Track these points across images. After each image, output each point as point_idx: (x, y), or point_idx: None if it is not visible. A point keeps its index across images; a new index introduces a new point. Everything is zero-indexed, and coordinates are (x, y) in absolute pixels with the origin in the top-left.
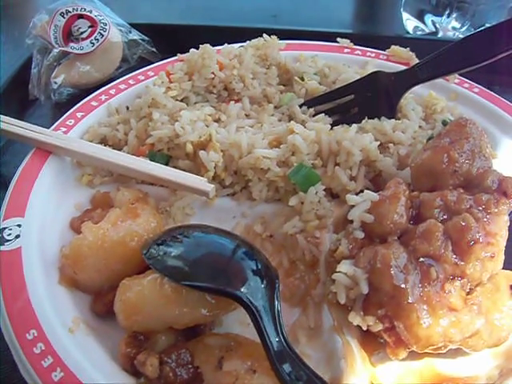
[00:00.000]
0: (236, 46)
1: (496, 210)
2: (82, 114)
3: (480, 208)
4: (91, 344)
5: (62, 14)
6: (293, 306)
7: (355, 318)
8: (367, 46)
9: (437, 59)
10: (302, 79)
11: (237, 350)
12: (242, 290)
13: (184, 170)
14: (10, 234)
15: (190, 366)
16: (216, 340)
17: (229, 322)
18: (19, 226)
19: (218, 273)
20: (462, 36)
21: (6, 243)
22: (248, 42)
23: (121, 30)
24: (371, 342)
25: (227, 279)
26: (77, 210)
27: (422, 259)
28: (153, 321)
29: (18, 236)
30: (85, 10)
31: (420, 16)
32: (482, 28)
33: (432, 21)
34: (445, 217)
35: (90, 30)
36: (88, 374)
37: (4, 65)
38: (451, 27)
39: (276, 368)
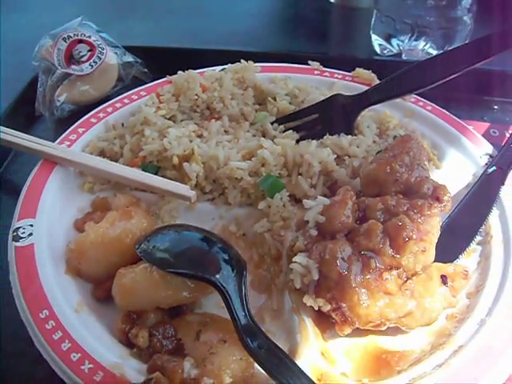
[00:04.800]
0: (218, 68)
1: (429, 213)
2: (83, 129)
3: (415, 211)
4: (93, 321)
5: (64, 39)
6: (260, 292)
7: (308, 300)
8: (338, 67)
9: (385, 85)
10: (275, 99)
11: (211, 325)
12: (217, 276)
13: (171, 179)
14: (23, 233)
15: (173, 338)
16: (195, 317)
17: (207, 305)
18: (31, 225)
19: (198, 262)
20: (426, 56)
21: (20, 240)
22: (229, 64)
23: (116, 53)
24: (324, 322)
25: (205, 268)
26: (79, 212)
27: (364, 252)
28: (144, 302)
29: (30, 234)
30: (85, 35)
31: (387, 39)
32: (423, 59)
33: (397, 43)
34: (385, 218)
35: (89, 53)
36: (91, 345)
37: (12, 84)
38: (418, 48)
39: (242, 338)
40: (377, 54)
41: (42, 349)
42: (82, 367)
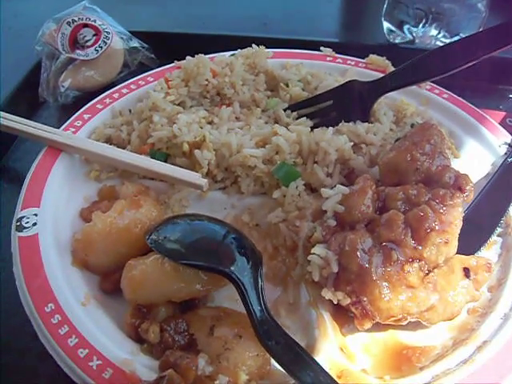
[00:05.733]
0: (228, 54)
1: (451, 203)
2: (88, 115)
3: (437, 201)
4: (101, 316)
5: (68, 23)
6: (275, 285)
7: (327, 294)
8: (350, 54)
9: (404, 71)
10: (287, 86)
11: (226, 319)
12: (232, 268)
13: (181, 167)
14: (27, 222)
15: (186, 334)
16: (208, 311)
17: (220, 298)
18: (36, 215)
19: (211, 254)
20: (438, 43)
21: (24, 230)
22: (239, 49)
23: (122, 38)
24: (342, 316)
25: (219, 259)
26: (86, 201)
27: (385, 244)
28: (154, 295)
29: (34, 224)
30: (89, 19)
31: (399, 25)
32: (442, 45)
33: (409, 30)
34: (406, 208)
35: (94, 38)
36: (99, 340)
37: (15, 70)
38: (429, 35)
39: (258, 333)
40: (388, 41)
41: (48, 344)
42: (90, 364)
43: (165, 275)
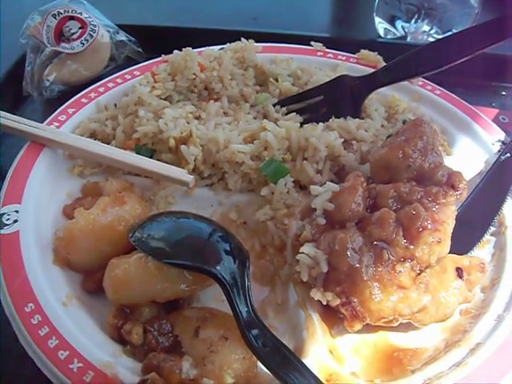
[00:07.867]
0: (216, 48)
1: (444, 201)
2: (73, 110)
3: (430, 199)
4: (83, 316)
5: (54, 16)
6: (263, 284)
7: (316, 294)
8: (341, 49)
9: (396, 66)
10: (277, 80)
11: (211, 320)
12: (217, 267)
13: (167, 163)
14: (8, 219)
15: (170, 335)
16: (193, 312)
17: (205, 298)
18: (17, 211)
19: (196, 253)
20: (430, 39)
21: (5, 227)
22: (228, 44)
23: (109, 31)
24: (331, 317)
25: (204, 258)
26: (69, 198)
27: (376, 243)
28: (138, 295)
29: (15, 221)
30: (75, 12)
31: (391, 21)
32: (434, 40)
33: (402, 25)
34: (398, 206)
35: (80, 30)
36: (80, 342)
37: None
38: (421, 31)
39: (245, 335)
40: (380, 37)
41: (27, 346)
42: (71, 366)
43: (148, 275)
